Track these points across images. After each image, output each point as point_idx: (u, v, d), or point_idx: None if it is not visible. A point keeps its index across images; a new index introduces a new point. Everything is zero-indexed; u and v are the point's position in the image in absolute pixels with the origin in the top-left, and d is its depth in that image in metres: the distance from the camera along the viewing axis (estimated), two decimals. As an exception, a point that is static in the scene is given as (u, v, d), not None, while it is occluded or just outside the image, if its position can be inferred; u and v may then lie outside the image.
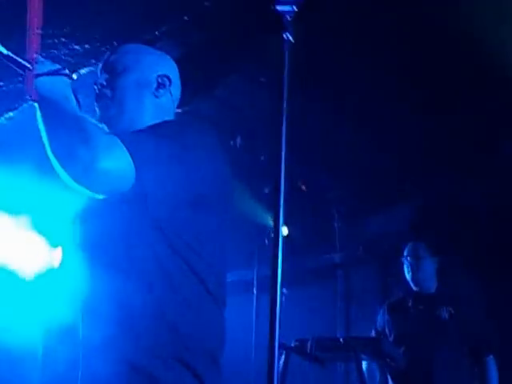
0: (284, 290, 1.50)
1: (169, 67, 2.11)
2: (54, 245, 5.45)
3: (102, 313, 1.74)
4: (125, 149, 1.69)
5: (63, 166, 1.70)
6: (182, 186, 1.79)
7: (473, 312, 4.08)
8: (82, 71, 4.29)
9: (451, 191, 5.34)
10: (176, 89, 2.09)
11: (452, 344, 3.96)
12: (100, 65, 2.09)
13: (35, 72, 1.81)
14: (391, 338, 4.05)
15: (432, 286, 4.20)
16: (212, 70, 4.14)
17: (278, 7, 1.73)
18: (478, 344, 3.99)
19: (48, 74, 1.82)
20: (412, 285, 4.19)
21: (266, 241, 5.61)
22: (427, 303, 4.11)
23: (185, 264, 1.79)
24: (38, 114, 1.79)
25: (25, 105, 4.60)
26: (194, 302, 1.80)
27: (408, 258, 4.19)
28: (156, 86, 2.03)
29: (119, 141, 1.70)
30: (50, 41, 3.93)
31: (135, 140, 1.74)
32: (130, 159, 1.68)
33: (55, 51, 4.08)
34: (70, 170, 1.70)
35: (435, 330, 3.99)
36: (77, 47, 3.98)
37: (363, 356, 3.82)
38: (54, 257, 5.39)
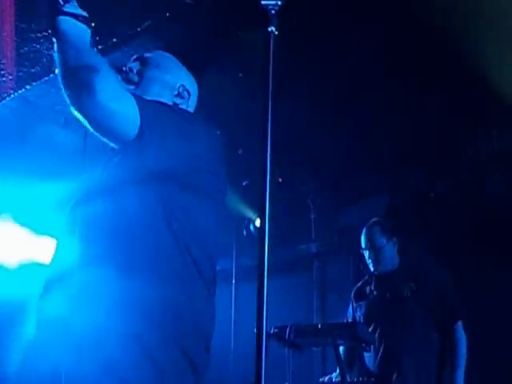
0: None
1: (192, 83, 2.27)
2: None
3: (114, 302, 1.76)
4: (134, 100, 1.83)
5: (73, 99, 1.79)
6: (180, 157, 1.91)
7: (434, 284, 4.01)
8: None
9: (421, 186, 5.49)
10: (193, 104, 2.25)
11: (417, 320, 3.96)
12: (134, 57, 2.24)
13: (65, 9, 1.88)
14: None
15: (394, 265, 4.15)
16: (192, 66, 4.20)
17: (263, 1, 1.78)
18: (444, 314, 3.97)
19: (75, 15, 1.89)
20: (373, 270, 4.16)
21: (244, 232, 5.73)
22: (388, 284, 4.10)
23: (187, 253, 1.88)
24: (56, 47, 1.87)
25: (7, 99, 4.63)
26: (193, 291, 1.89)
27: (367, 252, 4.13)
28: (176, 93, 2.19)
29: (129, 92, 1.85)
30: (32, 35, 3.96)
31: (146, 101, 1.90)
32: (137, 109, 1.82)
33: (37, 45, 4.10)
34: (78, 103, 1.78)
35: (398, 309, 4.00)
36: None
37: (340, 341, 3.87)
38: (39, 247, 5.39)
